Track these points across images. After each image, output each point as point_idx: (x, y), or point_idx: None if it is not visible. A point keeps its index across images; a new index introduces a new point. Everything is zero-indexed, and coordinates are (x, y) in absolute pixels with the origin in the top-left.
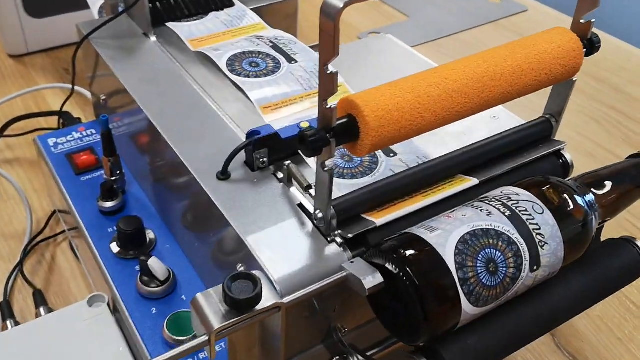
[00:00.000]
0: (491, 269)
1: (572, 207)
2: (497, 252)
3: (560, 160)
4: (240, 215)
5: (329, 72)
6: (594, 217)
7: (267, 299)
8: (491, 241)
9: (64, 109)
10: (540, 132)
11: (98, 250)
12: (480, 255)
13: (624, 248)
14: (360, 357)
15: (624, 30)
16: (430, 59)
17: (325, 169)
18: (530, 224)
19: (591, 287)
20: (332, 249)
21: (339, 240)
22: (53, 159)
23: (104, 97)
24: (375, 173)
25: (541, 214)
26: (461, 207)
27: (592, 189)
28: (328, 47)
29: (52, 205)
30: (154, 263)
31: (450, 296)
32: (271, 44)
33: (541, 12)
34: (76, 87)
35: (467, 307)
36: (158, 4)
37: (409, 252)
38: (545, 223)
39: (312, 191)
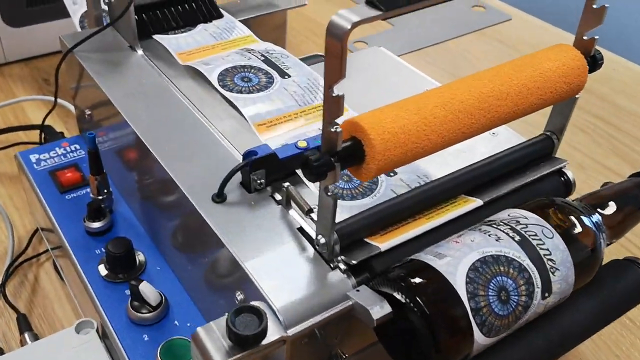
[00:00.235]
0: (503, 298)
1: (581, 229)
2: (509, 280)
3: (562, 178)
4: (239, 240)
5: (334, 94)
6: (602, 239)
7: (272, 333)
8: (502, 268)
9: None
10: (542, 149)
11: (85, 274)
12: (491, 284)
13: (630, 269)
14: None
15: (610, 40)
16: (416, 68)
17: (329, 193)
18: (541, 249)
19: (600, 310)
20: (336, 275)
21: (342, 266)
22: (36, 177)
23: (89, 112)
24: (375, 194)
25: (551, 238)
26: (468, 231)
27: (598, 210)
28: (334, 68)
29: (34, 223)
30: (145, 288)
31: (463, 327)
32: (263, 58)
33: (525, 21)
34: (58, 100)
35: (480, 338)
36: (144, 15)
37: (418, 281)
38: (555, 248)
39: (314, 215)
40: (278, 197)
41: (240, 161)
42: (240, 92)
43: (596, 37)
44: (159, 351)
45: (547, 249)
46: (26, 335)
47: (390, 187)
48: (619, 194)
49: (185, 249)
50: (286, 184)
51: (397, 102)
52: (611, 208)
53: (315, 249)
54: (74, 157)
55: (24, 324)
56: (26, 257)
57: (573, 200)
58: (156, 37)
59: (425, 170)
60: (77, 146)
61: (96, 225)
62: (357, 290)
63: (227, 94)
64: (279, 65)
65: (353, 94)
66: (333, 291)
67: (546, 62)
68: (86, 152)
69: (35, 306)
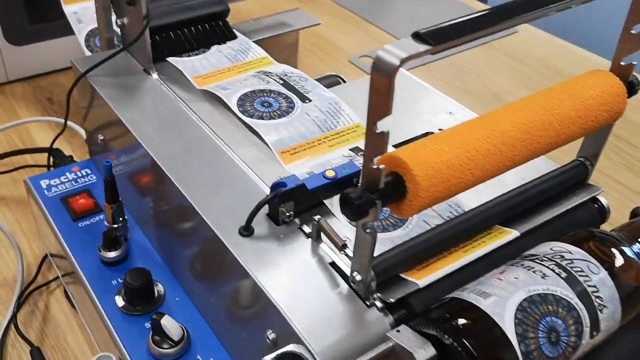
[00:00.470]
0: (553, 339)
1: (624, 263)
2: (558, 320)
3: (596, 205)
4: (270, 277)
5: (378, 131)
6: None
7: None
8: (551, 308)
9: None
10: (576, 176)
11: (102, 306)
12: (541, 325)
13: None
14: None
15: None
16: (426, 82)
17: (368, 230)
18: (588, 286)
19: None
20: (373, 314)
21: (378, 304)
22: (47, 203)
23: (101, 137)
24: (407, 225)
25: (597, 274)
26: (510, 266)
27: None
28: (380, 105)
29: (42, 248)
30: (168, 322)
31: None
32: (282, 81)
33: (532, 34)
34: (63, 121)
35: None
36: (157, 37)
37: (464, 322)
38: (602, 284)
39: (348, 250)
40: (307, 229)
41: (267, 192)
42: (261, 117)
43: (634, 62)
44: None
45: (595, 286)
46: None
47: (423, 218)
48: None
49: (209, 282)
50: (317, 217)
51: (437, 134)
52: None
53: (350, 285)
54: (86, 182)
55: (38, 358)
56: (36, 285)
57: (611, 231)
58: (170, 59)
59: (456, 197)
60: (88, 170)
61: (112, 254)
62: (397, 331)
63: (248, 120)
64: (299, 89)
65: None
66: (371, 331)
67: (586, 90)
68: (97, 177)
69: (47, 336)
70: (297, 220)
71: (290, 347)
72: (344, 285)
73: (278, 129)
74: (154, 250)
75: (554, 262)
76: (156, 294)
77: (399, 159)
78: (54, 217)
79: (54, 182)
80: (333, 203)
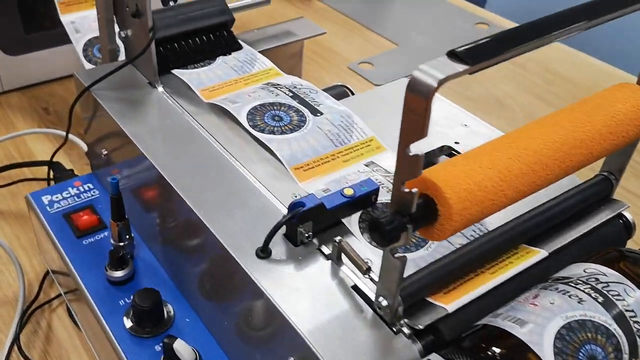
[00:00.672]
0: None
1: None
2: (598, 348)
3: (621, 221)
4: (291, 302)
5: (411, 154)
6: None
7: None
8: (590, 335)
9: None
10: (601, 191)
11: (110, 328)
12: (580, 354)
13: None
14: None
15: (621, 59)
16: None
17: (396, 255)
18: (626, 310)
19: None
20: (400, 341)
21: (406, 330)
22: (50, 220)
23: (105, 152)
24: (430, 245)
25: (633, 297)
26: (542, 290)
27: None
28: (415, 127)
29: (43, 264)
30: (180, 346)
31: None
32: (291, 94)
33: None
34: (62, 132)
35: None
36: (162, 49)
37: (500, 351)
38: (639, 307)
39: (372, 274)
40: (326, 250)
41: (282, 210)
42: (272, 132)
43: None
44: None
45: (632, 310)
46: None
47: None
48: None
49: (222, 304)
50: (337, 239)
51: (466, 153)
52: None
53: (375, 311)
54: (88, 197)
55: None
56: (39, 304)
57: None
58: (175, 72)
59: None
60: (90, 185)
61: (119, 274)
62: (428, 359)
63: (259, 135)
64: (309, 102)
65: (390, 132)
66: (399, 359)
67: (616, 105)
68: (100, 192)
69: (50, 357)
70: (315, 241)
71: None
72: (368, 311)
73: (290, 143)
74: (161, 268)
75: (589, 286)
76: (166, 315)
77: (430, 181)
78: (57, 235)
79: (56, 197)
80: (351, 222)
